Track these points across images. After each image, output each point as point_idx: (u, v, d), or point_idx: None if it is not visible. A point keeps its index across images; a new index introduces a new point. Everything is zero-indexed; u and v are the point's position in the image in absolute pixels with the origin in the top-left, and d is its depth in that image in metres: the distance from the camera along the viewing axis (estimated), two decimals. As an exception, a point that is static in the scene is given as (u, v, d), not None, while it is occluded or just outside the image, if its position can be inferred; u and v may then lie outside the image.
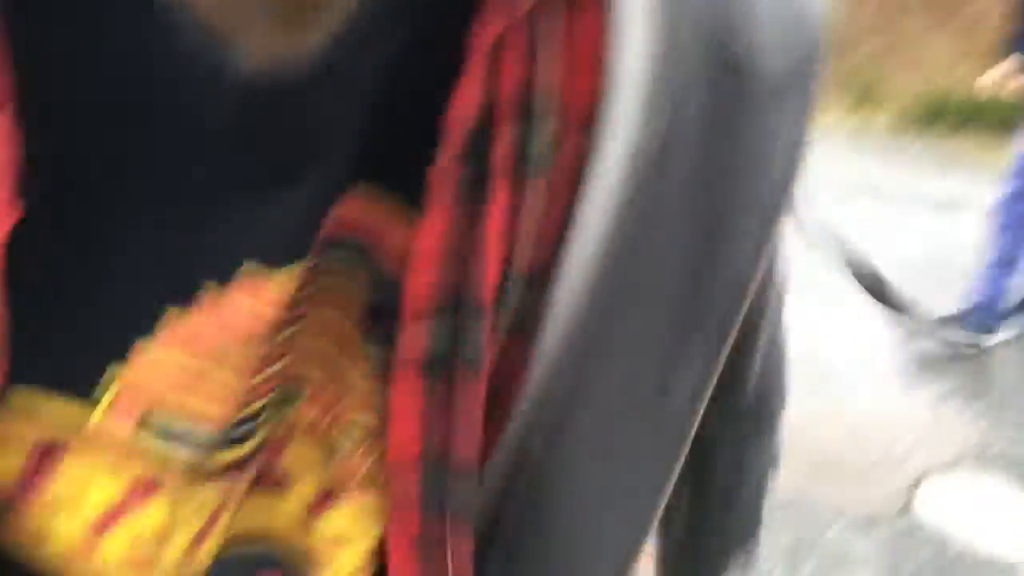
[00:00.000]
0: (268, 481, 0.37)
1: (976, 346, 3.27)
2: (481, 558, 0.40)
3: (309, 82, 0.30)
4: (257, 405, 0.34)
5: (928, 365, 3.20)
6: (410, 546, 0.37)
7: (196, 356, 0.32)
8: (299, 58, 0.30)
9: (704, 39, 0.35)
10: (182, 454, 0.33)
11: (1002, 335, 3.33)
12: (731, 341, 0.39)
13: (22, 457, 0.31)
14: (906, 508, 2.46)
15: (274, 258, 0.32)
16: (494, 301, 0.35)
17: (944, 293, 3.49)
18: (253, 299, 0.32)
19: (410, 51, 0.32)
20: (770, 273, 0.47)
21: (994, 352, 3.28)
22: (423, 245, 0.33)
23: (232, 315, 0.32)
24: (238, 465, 0.35)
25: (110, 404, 0.31)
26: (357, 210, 0.33)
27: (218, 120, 0.30)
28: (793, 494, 2.42)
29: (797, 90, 0.37)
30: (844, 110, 6.25)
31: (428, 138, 0.32)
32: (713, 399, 0.41)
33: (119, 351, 0.31)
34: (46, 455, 0.31)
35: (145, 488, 0.33)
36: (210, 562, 0.36)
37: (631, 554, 0.43)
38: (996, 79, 3.61)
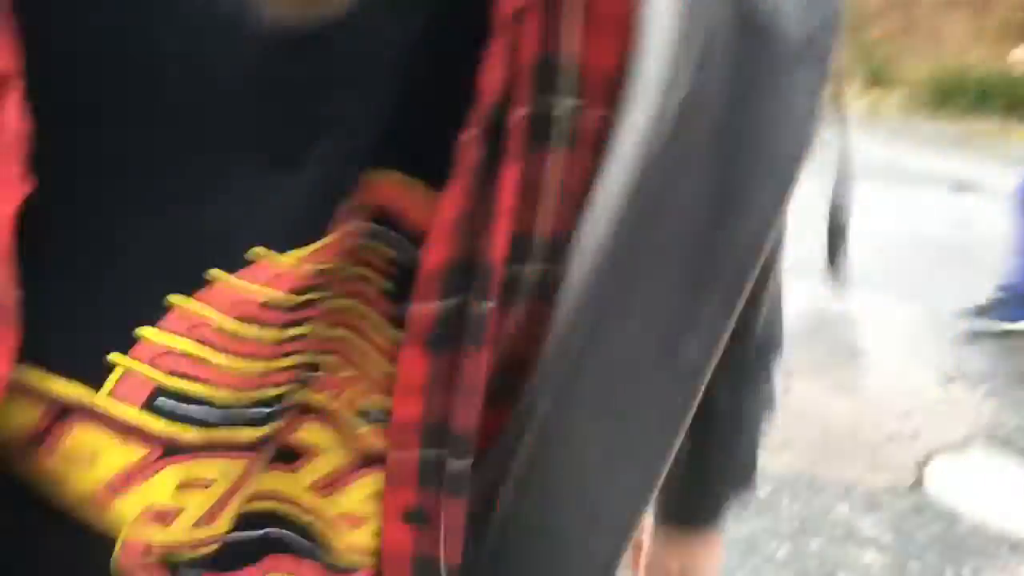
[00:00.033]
0: (285, 459, 0.37)
1: (1006, 332, 3.25)
2: (486, 517, 0.40)
3: (330, 42, 0.30)
4: (274, 391, 0.34)
5: (941, 344, 3.19)
6: (403, 515, 0.38)
7: (201, 342, 0.32)
8: (321, 17, 0.29)
9: None
10: (190, 434, 0.33)
11: None
12: (742, 303, 0.39)
13: (36, 414, 0.32)
14: (916, 485, 2.45)
15: (283, 239, 0.32)
16: (504, 274, 0.34)
17: (958, 270, 3.48)
18: (262, 283, 0.32)
19: (432, 21, 0.31)
20: (780, 233, 0.47)
21: (1009, 334, 3.27)
22: (440, 221, 0.33)
23: (239, 300, 0.32)
24: (254, 444, 0.35)
25: (111, 390, 0.32)
26: (376, 190, 0.33)
27: (233, 78, 0.29)
28: (802, 471, 2.42)
29: (816, 58, 0.37)
30: (856, 90, 6.21)
31: (449, 113, 0.32)
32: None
33: (122, 339, 0.31)
34: (59, 417, 0.32)
35: (155, 462, 0.34)
36: (226, 529, 0.36)
37: (635, 513, 0.43)
38: None
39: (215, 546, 0.37)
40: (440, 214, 0.33)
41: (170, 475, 0.34)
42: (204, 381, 0.33)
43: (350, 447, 0.37)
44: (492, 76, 0.31)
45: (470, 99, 0.32)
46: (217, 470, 0.35)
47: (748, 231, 0.38)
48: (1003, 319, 3.26)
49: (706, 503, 0.67)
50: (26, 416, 0.32)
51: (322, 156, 0.31)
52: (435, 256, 0.33)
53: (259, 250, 0.31)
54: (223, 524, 0.36)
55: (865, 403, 2.77)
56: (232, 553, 0.37)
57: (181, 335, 0.32)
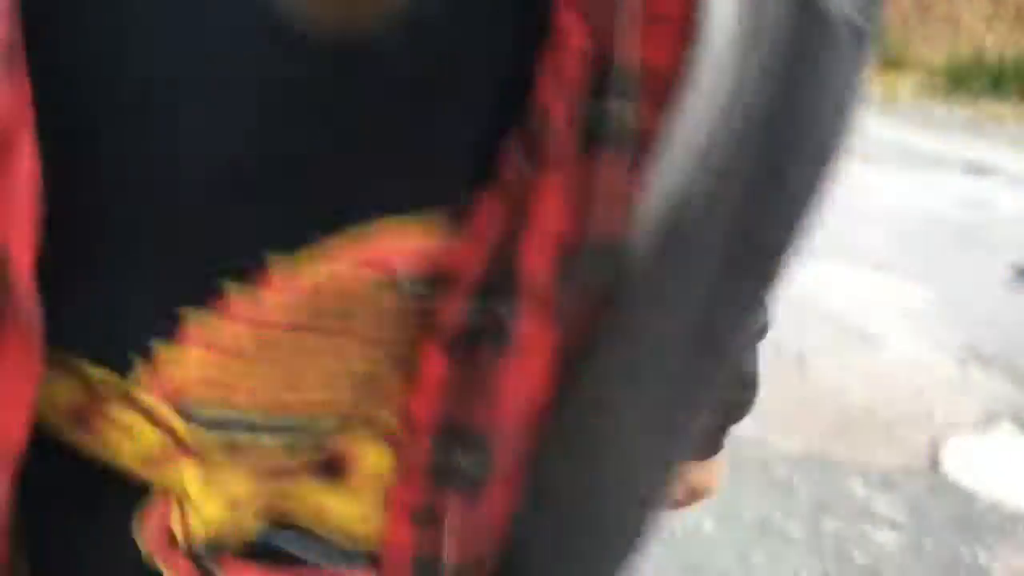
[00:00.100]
0: (329, 471, 0.38)
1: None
2: (525, 483, 0.40)
3: (356, 60, 0.29)
4: (297, 399, 0.35)
5: (956, 325, 3.17)
6: (410, 513, 0.38)
7: (218, 351, 0.32)
8: (353, 35, 0.29)
9: None
10: (209, 437, 0.34)
11: None
12: (777, 280, 0.39)
13: (79, 392, 0.33)
14: (931, 465, 2.44)
15: (296, 241, 0.31)
16: (551, 281, 0.35)
17: (972, 252, 3.46)
18: (278, 290, 0.31)
19: (457, 36, 0.31)
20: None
21: None
22: (475, 230, 0.33)
23: (255, 309, 0.32)
24: (279, 451, 0.35)
25: (139, 383, 0.33)
26: (379, 241, 0.33)
27: (263, 83, 0.29)
28: (817, 451, 2.41)
29: (858, 38, 0.36)
30: (871, 73, 6.18)
31: (476, 125, 0.32)
32: None
33: (143, 351, 0.32)
34: (98, 396, 0.33)
35: (182, 450, 0.35)
36: (249, 526, 0.37)
37: (669, 477, 0.43)
38: None
39: (235, 539, 0.37)
40: (475, 223, 0.32)
41: (195, 472, 0.35)
42: (221, 386, 0.33)
43: (397, 461, 0.38)
44: (544, 90, 0.31)
45: (501, 109, 0.31)
46: (238, 475, 0.35)
47: (788, 213, 0.38)
48: None
49: (709, 438, 0.67)
50: (66, 395, 0.33)
51: (340, 166, 0.31)
52: (468, 262, 0.33)
53: (274, 257, 0.31)
54: (246, 522, 0.37)
55: (880, 384, 2.75)
56: (251, 545, 0.38)
57: (197, 347, 0.32)
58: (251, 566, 0.38)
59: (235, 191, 0.30)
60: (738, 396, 0.64)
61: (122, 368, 0.32)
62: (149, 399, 0.33)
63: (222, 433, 0.34)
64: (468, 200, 0.32)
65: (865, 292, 3.25)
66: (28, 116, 0.26)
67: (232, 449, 0.35)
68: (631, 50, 0.32)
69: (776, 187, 0.36)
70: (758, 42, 0.33)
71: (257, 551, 0.38)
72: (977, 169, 4.67)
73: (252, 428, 0.34)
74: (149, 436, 0.34)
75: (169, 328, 0.31)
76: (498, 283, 0.34)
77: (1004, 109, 5.85)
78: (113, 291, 0.31)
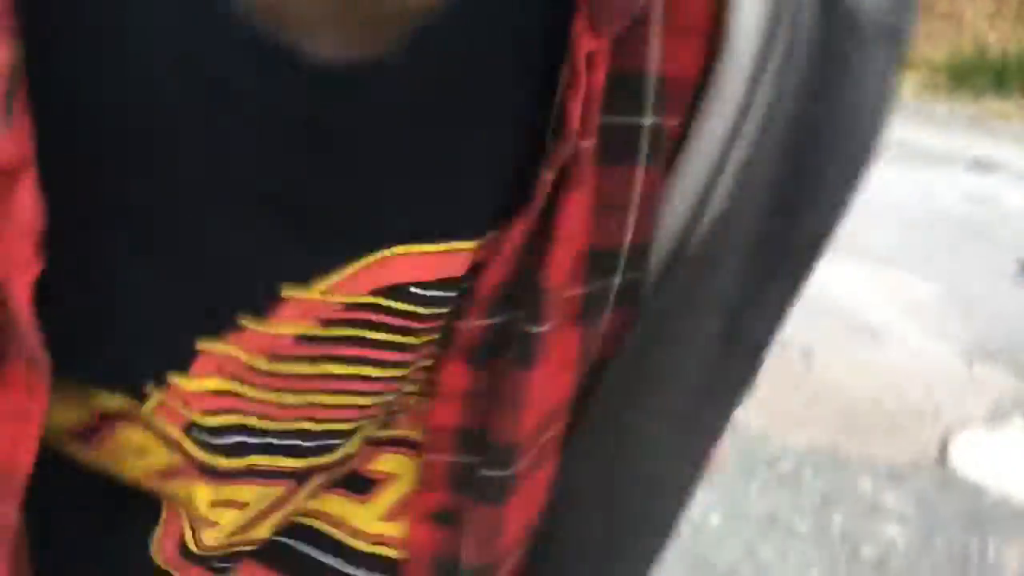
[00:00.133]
0: (356, 488, 0.38)
1: None
2: (554, 489, 0.40)
3: (368, 88, 0.29)
4: (314, 424, 0.35)
5: (962, 321, 3.17)
6: (430, 516, 0.38)
7: (232, 379, 0.32)
8: (362, 61, 0.28)
9: None
10: (223, 462, 0.34)
11: None
12: (806, 283, 0.39)
13: (84, 415, 0.33)
14: (939, 460, 2.43)
15: (311, 274, 0.31)
16: (583, 293, 0.34)
17: (977, 248, 3.46)
18: (292, 319, 0.31)
19: (488, 57, 0.31)
20: None
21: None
22: (505, 248, 0.32)
23: (269, 340, 0.31)
24: (295, 472, 0.35)
25: (153, 409, 0.32)
26: (389, 266, 0.32)
27: (260, 122, 0.28)
28: (824, 446, 2.40)
29: (891, 40, 0.36)
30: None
31: (489, 154, 0.31)
32: None
33: (157, 380, 0.32)
34: (105, 419, 0.33)
35: (192, 471, 0.34)
36: (265, 536, 0.37)
37: (696, 475, 0.43)
38: None
39: (251, 546, 0.37)
40: (505, 242, 0.32)
41: (206, 492, 0.35)
42: (237, 412, 0.33)
43: (422, 475, 0.38)
44: (573, 115, 0.30)
45: (522, 131, 0.31)
46: (252, 494, 0.35)
47: (818, 218, 0.37)
48: None
49: None
50: (73, 416, 0.33)
51: (356, 197, 0.30)
52: (491, 279, 0.33)
53: (288, 288, 0.31)
54: (260, 533, 0.37)
55: (887, 380, 2.75)
56: (268, 548, 0.38)
57: (211, 375, 0.32)
58: (268, 569, 0.38)
59: (248, 226, 0.29)
60: None
61: (136, 395, 0.32)
62: (162, 422, 0.33)
63: (237, 455, 0.34)
64: (491, 224, 0.32)
65: (871, 288, 3.24)
66: (29, 154, 0.26)
67: (247, 470, 0.34)
68: (655, 63, 0.32)
69: (804, 191, 0.36)
70: (785, 49, 0.33)
71: (275, 553, 0.38)
72: (981, 166, 4.67)
73: (267, 449, 0.34)
74: (159, 454, 0.34)
75: (184, 359, 0.31)
76: (522, 296, 0.33)
77: (1008, 106, 5.84)
78: (128, 324, 0.31)
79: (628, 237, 0.34)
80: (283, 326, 0.31)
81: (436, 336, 0.34)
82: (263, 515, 0.36)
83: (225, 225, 0.29)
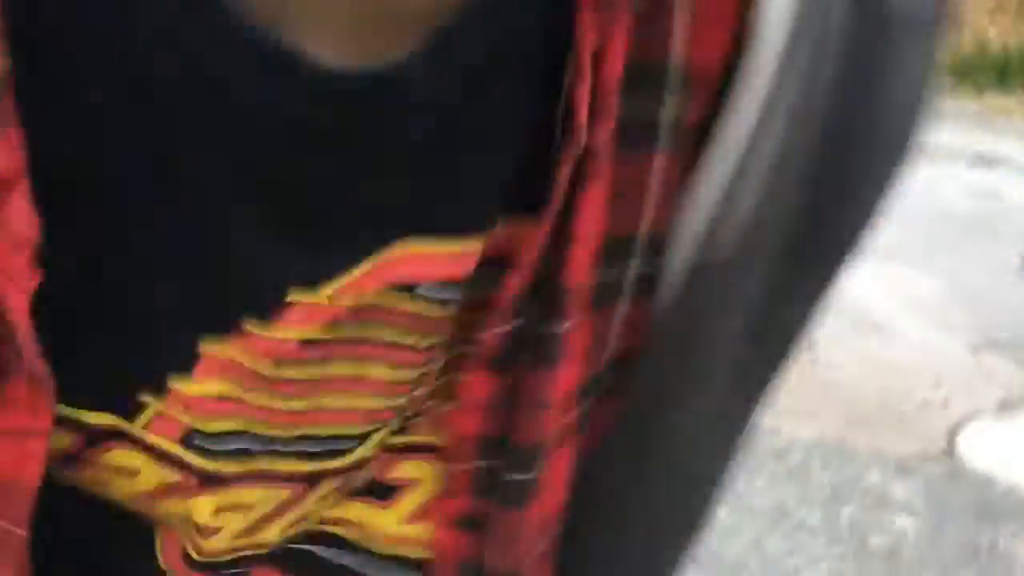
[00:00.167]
0: (377, 495, 0.37)
1: None
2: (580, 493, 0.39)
3: (379, 95, 0.28)
4: (321, 430, 0.34)
5: (967, 314, 3.17)
6: (455, 522, 0.37)
7: (236, 383, 0.31)
8: (370, 68, 0.27)
9: None
10: (228, 468, 0.33)
11: None
12: (835, 285, 0.38)
13: (69, 439, 0.32)
14: (947, 451, 2.43)
15: (317, 277, 0.30)
16: (597, 282, 0.33)
17: (981, 242, 3.46)
18: (298, 323, 0.30)
19: (497, 56, 0.30)
20: None
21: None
22: (528, 250, 0.31)
23: (274, 344, 0.31)
24: (303, 476, 0.35)
25: (146, 425, 0.32)
26: (401, 261, 0.32)
27: (269, 128, 0.27)
28: (831, 439, 2.40)
29: (926, 32, 0.35)
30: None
31: (524, 144, 0.31)
32: None
33: (154, 386, 0.31)
34: (94, 442, 0.32)
35: (192, 487, 0.33)
36: (275, 541, 0.36)
37: (728, 465, 0.43)
38: None
39: (260, 552, 0.36)
40: (528, 245, 0.31)
41: (207, 501, 0.34)
42: (240, 417, 0.32)
43: (445, 480, 0.37)
44: (580, 110, 0.29)
45: (536, 128, 0.30)
46: (256, 497, 0.34)
47: (855, 213, 0.36)
48: None
49: None
50: (59, 441, 0.32)
51: (365, 200, 0.30)
52: (513, 286, 0.32)
53: (294, 291, 0.30)
54: (268, 536, 0.36)
55: (893, 373, 2.75)
56: (282, 551, 0.37)
57: (214, 379, 0.31)
58: (283, 572, 0.38)
59: (251, 229, 0.29)
60: None
61: (129, 412, 0.31)
62: (156, 438, 0.32)
63: (243, 461, 0.33)
64: (501, 222, 0.31)
65: (877, 283, 3.24)
66: (21, 164, 0.25)
67: (252, 474, 0.34)
68: (679, 52, 0.31)
69: (840, 191, 0.35)
70: (815, 42, 0.32)
71: (290, 558, 0.37)
72: (984, 161, 4.68)
73: (273, 453, 0.33)
74: (150, 474, 0.33)
75: (186, 363, 0.30)
76: (542, 297, 0.33)
77: (1010, 102, 5.84)
78: (128, 330, 0.30)
79: (645, 225, 0.33)
80: (288, 331, 0.30)
81: (445, 339, 0.33)
82: (269, 518, 0.35)
83: (228, 228, 0.29)
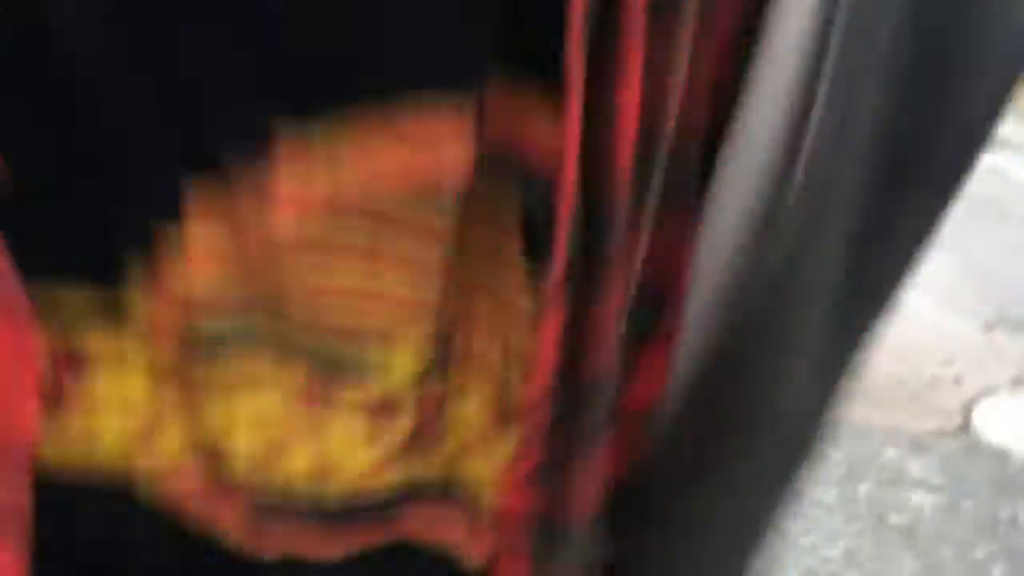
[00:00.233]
0: (429, 427, 0.33)
1: None
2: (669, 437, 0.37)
3: None
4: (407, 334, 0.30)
5: (979, 293, 3.17)
6: (522, 475, 0.34)
7: (232, 266, 0.28)
8: None
9: None
10: (227, 364, 0.29)
11: None
12: (946, 214, 0.34)
13: (51, 364, 0.28)
14: (963, 427, 2.43)
15: (311, 105, 0.27)
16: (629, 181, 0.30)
17: (991, 222, 3.46)
18: (294, 180, 0.27)
19: None
20: None
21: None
22: (568, 135, 0.27)
23: (270, 217, 0.27)
24: (333, 386, 0.30)
25: (138, 323, 0.28)
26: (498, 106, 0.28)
27: None
28: (846, 417, 2.40)
29: None
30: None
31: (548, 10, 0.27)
32: None
33: (141, 237, 0.27)
34: (75, 362, 0.28)
35: (181, 385, 0.29)
36: (308, 473, 0.32)
37: (822, 423, 0.40)
38: None
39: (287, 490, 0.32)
40: (567, 139, 0.27)
41: (221, 405, 0.30)
42: (242, 311, 0.29)
43: (503, 405, 0.33)
44: None
45: None
46: (273, 407, 0.31)
47: (957, 133, 0.33)
48: None
49: None
50: (42, 356, 0.28)
51: (347, 16, 0.26)
52: (568, 198, 0.28)
53: (282, 124, 0.26)
54: (295, 465, 0.32)
55: (906, 352, 2.74)
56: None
57: (206, 257, 0.28)
58: (321, 526, 0.33)
59: (228, 39, 0.26)
60: None
61: (113, 276, 0.28)
62: (148, 308, 0.28)
63: (240, 353, 0.29)
64: (503, 71, 0.28)
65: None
66: None
67: (253, 380, 0.30)
68: None
69: (938, 96, 0.31)
70: None
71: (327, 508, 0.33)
72: (996, 145, 4.69)
73: (283, 349, 0.29)
74: (142, 403, 0.29)
75: (170, 209, 0.27)
76: (593, 215, 0.29)
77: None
78: (100, 179, 0.27)
79: (674, 110, 0.30)
80: (283, 183, 0.27)
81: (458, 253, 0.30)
82: (292, 438, 0.31)
83: (202, 41, 0.26)
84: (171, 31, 0.26)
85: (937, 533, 2.05)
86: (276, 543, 0.32)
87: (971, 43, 0.31)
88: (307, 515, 0.32)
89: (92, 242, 0.28)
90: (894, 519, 2.08)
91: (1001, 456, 2.31)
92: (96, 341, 0.28)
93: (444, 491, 0.34)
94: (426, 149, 0.27)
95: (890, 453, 2.30)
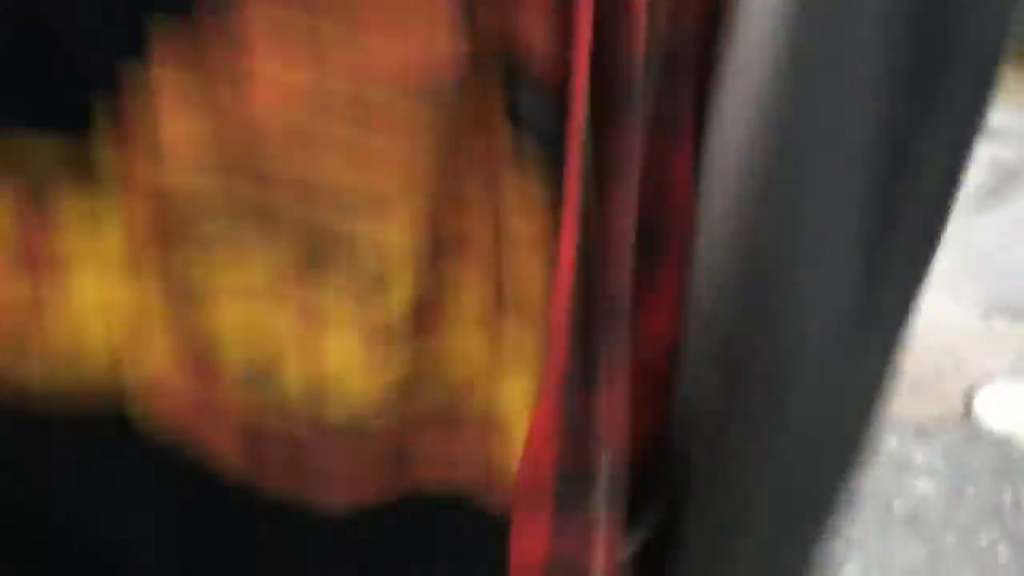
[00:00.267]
0: (426, 322, 0.30)
1: None
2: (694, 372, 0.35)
3: None
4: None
5: (978, 281, 3.18)
6: (555, 385, 0.31)
7: (207, 126, 0.26)
8: None
9: None
10: (203, 227, 0.27)
11: None
12: (982, 123, 0.32)
13: (15, 221, 0.26)
14: (965, 415, 2.44)
15: None
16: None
17: (988, 211, 3.46)
18: (282, 62, 0.25)
19: None
20: None
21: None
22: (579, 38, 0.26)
23: (238, 47, 0.25)
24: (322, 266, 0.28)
25: (106, 179, 0.26)
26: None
27: None
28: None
29: None
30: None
31: None
32: None
33: (106, 80, 0.25)
34: (43, 221, 0.26)
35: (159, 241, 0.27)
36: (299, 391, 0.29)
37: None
38: None
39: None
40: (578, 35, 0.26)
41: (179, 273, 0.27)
42: (211, 142, 0.26)
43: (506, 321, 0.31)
44: None
45: None
46: (244, 272, 0.28)
47: (980, 27, 0.31)
48: None
49: None
50: (7, 216, 0.26)
51: None
52: (579, 84, 0.27)
53: None
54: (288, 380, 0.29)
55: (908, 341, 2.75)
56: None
57: (177, 108, 0.26)
58: (322, 457, 0.30)
59: None
60: None
61: (78, 123, 0.26)
62: (120, 164, 0.26)
63: (222, 225, 0.27)
64: None
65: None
66: None
67: (238, 257, 0.27)
68: None
69: None
70: None
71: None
72: (986, 133, 4.69)
73: (267, 221, 0.27)
74: (122, 280, 0.26)
75: (132, 51, 0.25)
76: (607, 88, 0.28)
77: (1008, 76, 5.84)
78: (65, 21, 0.25)
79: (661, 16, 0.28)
80: (264, 70, 0.25)
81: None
82: (283, 337, 0.28)
83: None
84: None
85: (941, 519, 2.06)
86: (276, 476, 0.29)
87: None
88: (307, 444, 0.29)
89: (55, 85, 0.25)
90: (898, 506, 2.09)
91: (1003, 442, 2.31)
92: (67, 200, 0.26)
93: (452, 416, 0.31)
94: (416, 40, 0.26)
95: (893, 442, 2.31)
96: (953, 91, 0.32)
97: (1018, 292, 3.09)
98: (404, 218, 0.28)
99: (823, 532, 0.39)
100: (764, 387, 0.35)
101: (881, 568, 2.01)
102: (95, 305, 0.26)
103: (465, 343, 0.30)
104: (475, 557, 0.33)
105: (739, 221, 0.33)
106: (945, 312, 2.95)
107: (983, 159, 4.28)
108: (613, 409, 0.33)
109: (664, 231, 0.34)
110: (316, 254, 0.27)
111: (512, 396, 0.31)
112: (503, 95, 0.28)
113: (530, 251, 0.30)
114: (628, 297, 0.32)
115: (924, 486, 2.15)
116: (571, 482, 0.33)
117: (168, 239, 0.27)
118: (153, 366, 0.27)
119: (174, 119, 0.26)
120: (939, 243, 0.35)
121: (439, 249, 0.29)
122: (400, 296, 0.29)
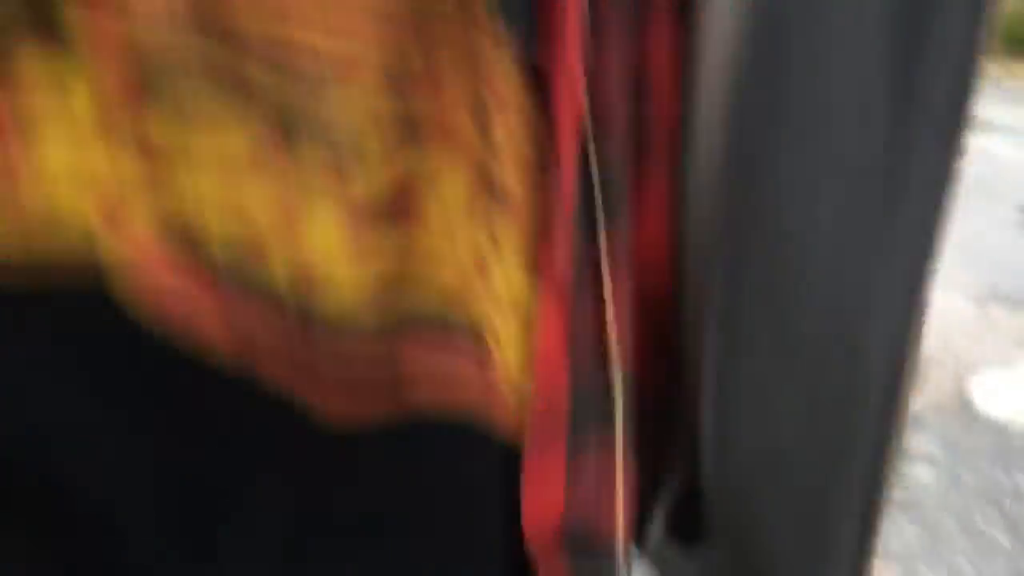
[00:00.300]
0: (403, 209, 0.28)
1: None
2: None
3: None
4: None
5: (971, 270, 3.19)
6: (559, 291, 0.30)
7: None
8: None
9: None
10: (200, 103, 0.25)
11: None
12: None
13: None
14: (961, 401, 2.46)
15: None
16: None
17: (981, 202, 3.47)
18: None
19: None
20: None
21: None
22: None
23: None
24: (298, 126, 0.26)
25: (77, 40, 0.24)
26: None
27: None
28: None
29: None
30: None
31: None
32: None
33: None
34: (7, 82, 0.24)
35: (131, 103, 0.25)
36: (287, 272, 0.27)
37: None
38: None
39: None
40: None
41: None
42: (186, 24, 0.25)
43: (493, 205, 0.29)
44: None
45: None
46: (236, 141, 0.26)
47: None
48: None
49: None
50: None
51: None
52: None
53: None
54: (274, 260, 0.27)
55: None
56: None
57: None
58: (312, 347, 0.28)
59: None
60: None
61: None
62: (84, 17, 0.24)
63: (194, 87, 0.25)
64: None
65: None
66: None
67: (212, 121, 0.26)
68: None
69: None
70: None
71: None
72: (982, 127, 4.71)
73: (240, 85, 0.26)
74: (82, 112, 0.25)
75: None
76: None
77: (992, 67, 5.86)
78: None
79: None
80: None
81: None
82: (261, 208, 0.26)
83: None
84: None
85: (940, 505, 2.08)
86: (270, 372, 0.27)
87: None
88: (299, 340, 0.27)
89: None
90: (898, 494, 2.11)
91: (1000, 429, 2.33)
92: (31, 60, 0.24)
93: (444, 327, 0.29)
94: None
95: (891, 429, 2.33)
96: None
97: (1012, 280, 3.11)
98: (374, 84, 0.26)
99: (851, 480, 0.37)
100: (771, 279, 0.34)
101: (881, 554, 2.02)
102: (67, 170, 0.25)
103: (450, 239, 0.29)
104: (481, 487, 0.31)
105: (735, 101, 0.32)
106: (941, 301, 2.97)
107: (974, 151, 4.30)
108: (621, 322, 0.32)
109: (648, 126, 0.33)
110: (290, 124, 0.26)
111: (507, 306, 0.30)
112: None
113: (512, 139, 0.28)
114: (626, 180, 0.31)
115: (923, 473, 2.17)
116: (587, 403, 0.31)
117: (140, 98, 0.25)
118: (130, 240, 0.25)
119: None
120: (965, 129, 0.33)
121: (414, 127, 0.27)
122: (377, 173, 0.27)
